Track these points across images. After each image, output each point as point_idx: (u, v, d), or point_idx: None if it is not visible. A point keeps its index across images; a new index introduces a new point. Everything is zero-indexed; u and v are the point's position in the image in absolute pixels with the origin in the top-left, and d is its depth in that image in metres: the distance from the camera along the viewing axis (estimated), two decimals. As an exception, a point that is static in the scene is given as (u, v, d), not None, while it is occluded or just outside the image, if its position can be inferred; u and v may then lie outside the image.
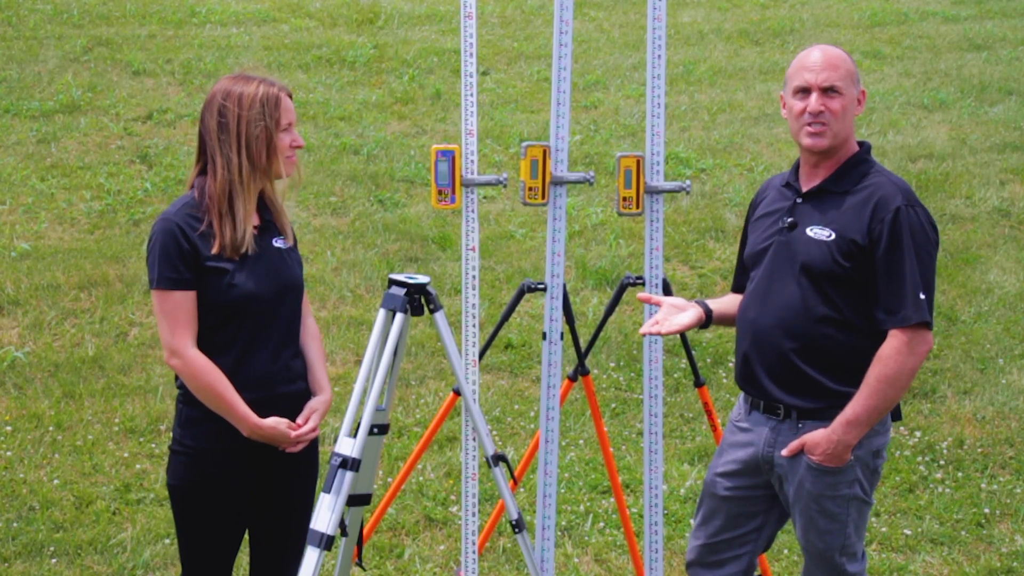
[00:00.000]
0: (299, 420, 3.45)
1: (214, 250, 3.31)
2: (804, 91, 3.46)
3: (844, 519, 3.49)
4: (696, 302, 3.68)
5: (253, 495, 3.47)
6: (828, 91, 3.42)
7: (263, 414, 3.38)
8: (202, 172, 3.41)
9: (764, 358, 3.53)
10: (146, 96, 9.60)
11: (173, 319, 3.30)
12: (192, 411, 3.40)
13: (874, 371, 3.33)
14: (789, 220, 3.50)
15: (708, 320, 3.67)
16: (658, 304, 3.65)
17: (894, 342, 3.31)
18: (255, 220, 3.43)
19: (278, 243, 3.47)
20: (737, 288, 3.78)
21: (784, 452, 3.50)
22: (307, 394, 3.53)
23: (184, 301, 3.30)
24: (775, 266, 3.52)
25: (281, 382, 3.44)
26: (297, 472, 3.54)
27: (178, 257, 3.29)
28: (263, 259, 3.40)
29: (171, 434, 3.49)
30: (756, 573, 3.91)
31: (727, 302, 3.76)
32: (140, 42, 10.82)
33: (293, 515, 3.57)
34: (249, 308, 3.35)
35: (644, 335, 3.67)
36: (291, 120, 3.41)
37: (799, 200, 3.53)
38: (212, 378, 3.31)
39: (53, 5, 11.57)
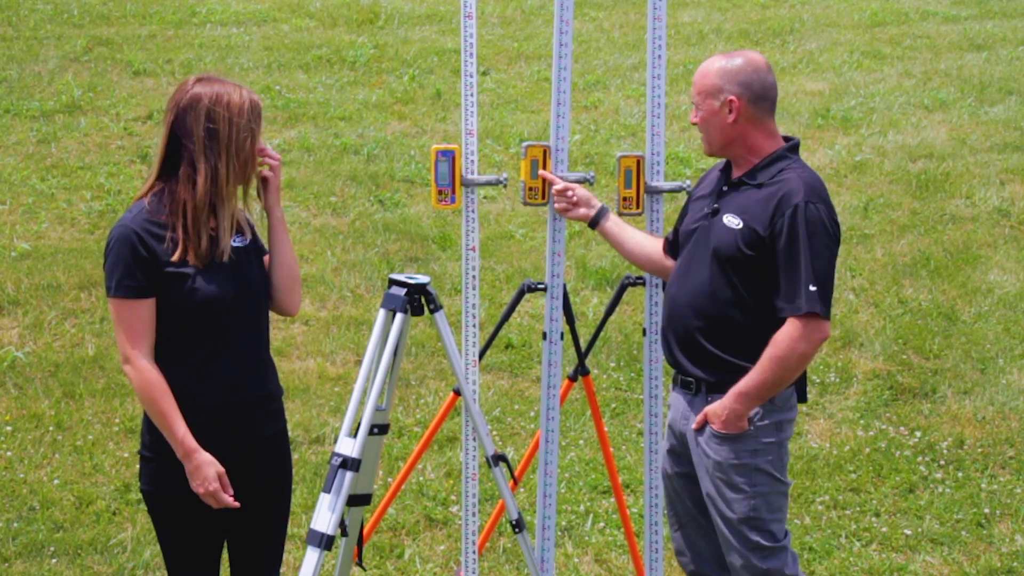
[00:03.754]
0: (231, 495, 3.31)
1: (175, 257, 3.23)
2: None
3: (748, 489, 3.64)
4: (602, 206, 3.89)
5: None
6: (695, 106, 3.71)
7: (233, 418, 3.35)
8: (162, 177, 3.30)
9: (677, 334, 3.75)
10: (146, 96, 9.60)
11: (129, 327, 3.23)
12: None
13: (768, 351, 3.52)
14: (714, 206, 3.69)
15: (593, 224, 3.88)
16: (557, 184, 3.86)
17: (789, 328, 3.51)
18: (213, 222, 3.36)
19: (236, 242, 3.38)
20: (664, 246, 3.93)
21: (693, 425, 3.70)
22: (278, 393, 3.50)
23: (141, 309, 3.23)
24: (696, 248, 3.71)
25: (251, 384, 3.40)
26: (269, 477, 3.50)
27: (136, 265, 3.21)
28: (224, 262, 3.32)
29: (140, 439, 3.44)
30: None
31: (635, 236, 3.92)
32: (140, 42, 10.82)
33: (268, 520, 3.55)
34: (212, 311, 3.28)
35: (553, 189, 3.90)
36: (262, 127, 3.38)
37: (725, 188, 3.71)
38: (157, 393, 3.23)
39: (53, 5, 11.58)
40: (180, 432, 3.25)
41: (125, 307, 3.24)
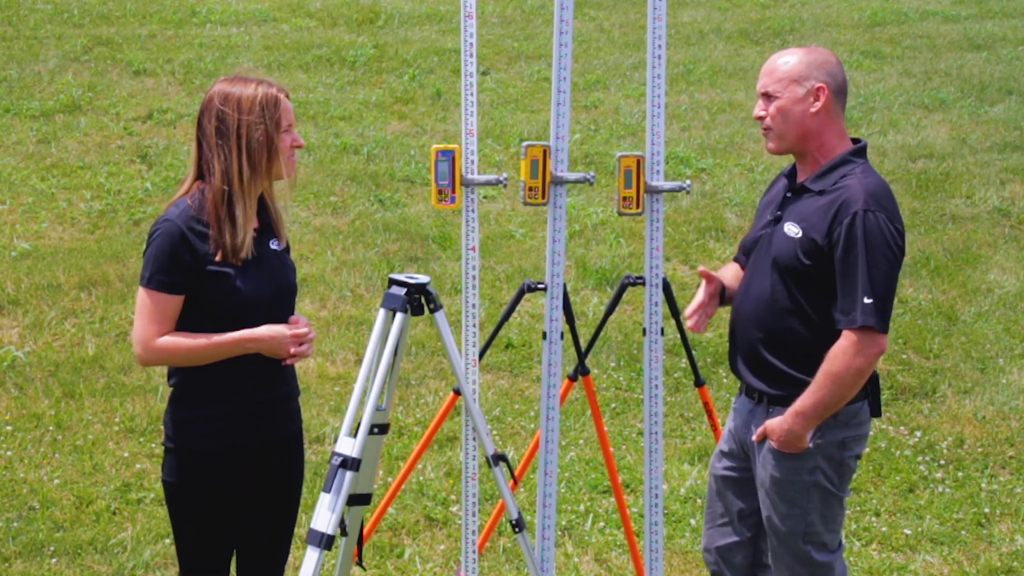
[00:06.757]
0: (290, 320, 3.41)
1: (218, 257, 3.30)
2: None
3: (805, 505, 3.60)
4: (717, 282, 3.79)
5: (244, 495, 3.47)
6: (765, 96, 3.57)
7: (258, 414, 3.41)
8: (199, 178, 3.39)
9: (740, 345, 3.70)
10: (146, 96, 9.60)
11: (151, 317, 3.30)
12: (181, 411, 3.40)
13: (823, 367, 3.44)
14: (777, 214, 3.63)
15: (724, 300, 3.82)
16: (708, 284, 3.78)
17: (844, 342, 3.41)
18: (254, 223, 3.42)
19: (273, 245, 3.46)
20: (738, 256, 3.89)
21: (754, 437, 3.65)
22: (296, 393, 3.57)
23: (167, 304, 3.30)
24: (759, 258, 3.65)
25: (278, 384, 3.46)
26: (285, 474, 3.56)
27: (173, 262, 3.28)
28: (262, 263, 3.39)
29: (163, 429, 3.49)
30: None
31: (729, 275, 3.86)
32: (140, 42, 10.82)
33: (282, 517, 3.60)
34: (248, 312, 3.34)
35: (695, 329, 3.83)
36: (291, 121, 3.39)
37: (788, 195, 3.64)
38: (186, 343, 3.29)
39: (53, 5, 11.58)
40: (234, 338, 3.30)
41: (152, 297, 3.30)
